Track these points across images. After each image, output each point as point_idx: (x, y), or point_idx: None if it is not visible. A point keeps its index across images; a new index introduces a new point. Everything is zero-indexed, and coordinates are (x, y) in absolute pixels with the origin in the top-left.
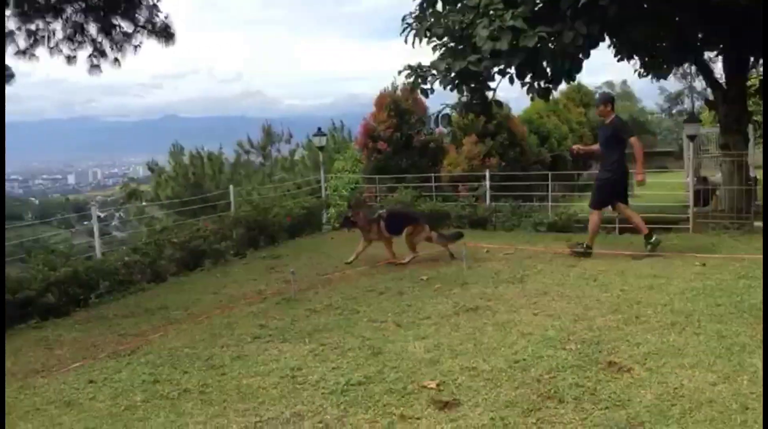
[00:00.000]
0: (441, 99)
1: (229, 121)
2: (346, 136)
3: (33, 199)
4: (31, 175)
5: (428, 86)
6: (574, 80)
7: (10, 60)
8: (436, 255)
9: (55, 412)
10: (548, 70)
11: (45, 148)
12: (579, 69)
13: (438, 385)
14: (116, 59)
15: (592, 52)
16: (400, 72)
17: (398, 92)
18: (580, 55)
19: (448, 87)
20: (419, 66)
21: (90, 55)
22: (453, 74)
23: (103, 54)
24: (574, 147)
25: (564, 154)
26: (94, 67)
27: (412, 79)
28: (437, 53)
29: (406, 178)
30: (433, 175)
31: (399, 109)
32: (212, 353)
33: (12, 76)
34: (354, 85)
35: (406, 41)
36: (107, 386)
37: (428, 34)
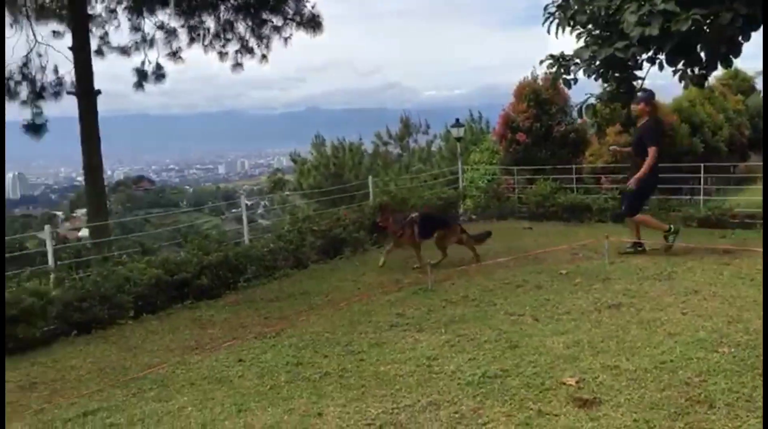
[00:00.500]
0: (583, 88)
1: (368, 112)
2: (484, 127)
3: (188, 187)
4: (186, 165)
5: (571, 77)
6: (731, 66)
7: (163, 59)
8: (576, 249)
9: (208, 387)
10: (702, 55)
11: (199, 139)
12: (737, 53)
13: (578, 382)
14: (264, 56)
15: (753, 34)
16: (541, 62)
17: (539, 81)
18: (739, 38)
19: (593, 76)
20: (562, 55)
21: (236, 52)
22: (598, 62)
23: (249, 51)
24: (612, 147)
25: (719, 146)
26: (237, 65)
27: (554, 69)
28: (581, 41)
29: (545, 170)
30: (573, 166)
31: (539, 99)
32: (351, 339)
33: (163, 75)
34: (492, 74)
35: (549, 32)
36: (254, 366)
37: (572, 23)
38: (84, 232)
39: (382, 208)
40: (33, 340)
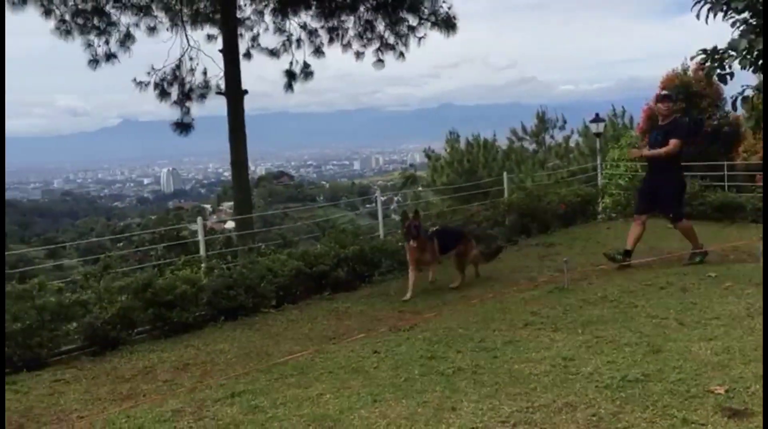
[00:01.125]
0: (738, 79)
1: (502, 108)
2: (627, 122)
3: (324, 182)
4: (323, 161)
5: (727, 71)
6: None
7: (309, 58)
8: (726, 250)
9: (345, 376)
10: None
11: (336, 136)
12: None
13: (727, 391)
14: (401, 53)
15: None
16: (692, 58)
17: (689, 73)
18: None
19: (750, 68)
20: (714, 49)
21: (377, 50)
22: (756, 53)
23: (389, 48)
24: (634, 151)
25: None
26: (379, 62)
27: (707, 64)
28: (736, 31)
29: (693, 167)
30: (725, 163)
31: (688, 92)
32: (484, 336)
33: (311, 73)
34: (635, 67)
35: (698, 17)
36: (389, 357)
37: (725, 9)
38: (229, 225)
39: (415, 216)
40: (186, 324)
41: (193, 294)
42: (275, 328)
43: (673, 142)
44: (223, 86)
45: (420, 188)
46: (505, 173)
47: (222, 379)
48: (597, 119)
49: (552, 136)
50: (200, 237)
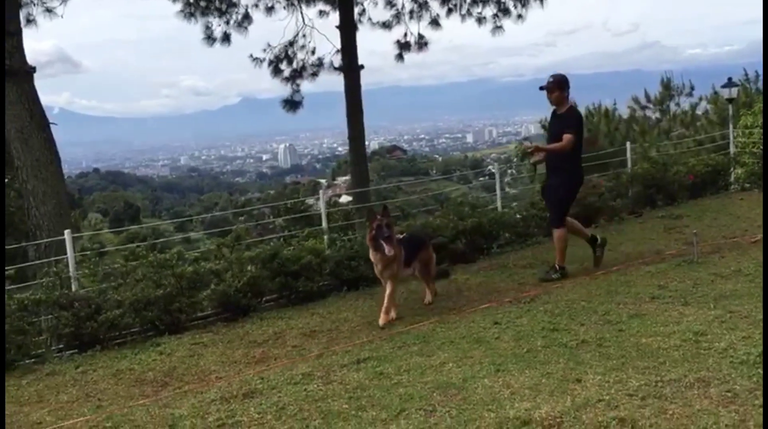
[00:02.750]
0: None
1: (622, 76)
2: (760, 87)
3: (437, 156)
4: (436, 134)
5: None
6: None
7: (424, 29)
8: None
9: (466, 346)
10: None
11: (449, 109)
12: None
13: None
14: (519, 15)
15: None
16: None
17: None
18: None
19: None
20: None
21: (493, 15)
22: None
23: (506, 12)
24: (525, 143)
25: None
26: (497, 28)
27: None
28: None
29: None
30: None
31: None
32: (609, 309)
33: (425, 43)
34: None
35: None
36: (510, 329)
37: None
38: (344, 199)
39: (384, 214)
40: (311, 293)
41: (317, 264)
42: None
43: (566, 137)
44: (336, 62)
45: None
46: (628, 143)
47: (347, 346)
48: (729, 84)
49: (677, 104)
50: (322, 210)
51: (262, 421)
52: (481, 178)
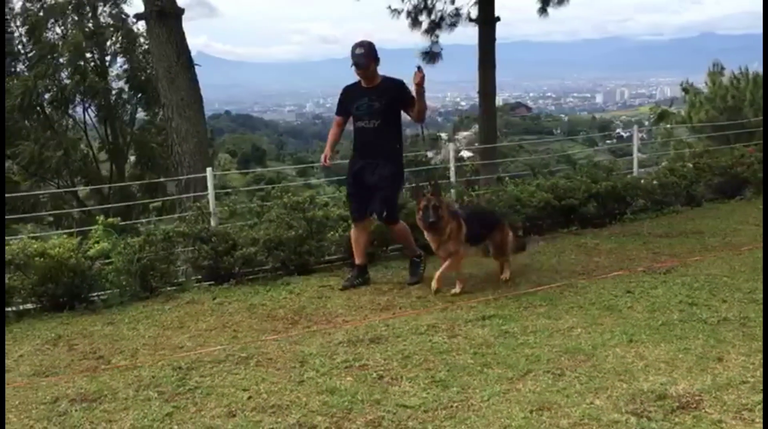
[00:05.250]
0: None
1: None
2: None
3: (563, 116)
4: (563, 93)
5: None
6: None
7: None
8: None
9: (596, 312)
10: None
11: (578, 67)
12: None
13: None
14: None
15: None
16: None
17: None
18: None
19: None
20: None
21: None
22: None
23: None
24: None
25: None
26: None
27: None
28: None
29: None
30: None
31: None
32: (754, 287)
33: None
34: None
35: None
36: (644, 299)
37: None
38: (464, 153)
39: (434, 190)
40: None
41: None
42: (521, 257)
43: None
44: (473, 14)
45: (670, 125)
46: None
47: (472, 302)
48: None
49: None
50: (451, 164)
51: (388, 367)
52: (608, 142)
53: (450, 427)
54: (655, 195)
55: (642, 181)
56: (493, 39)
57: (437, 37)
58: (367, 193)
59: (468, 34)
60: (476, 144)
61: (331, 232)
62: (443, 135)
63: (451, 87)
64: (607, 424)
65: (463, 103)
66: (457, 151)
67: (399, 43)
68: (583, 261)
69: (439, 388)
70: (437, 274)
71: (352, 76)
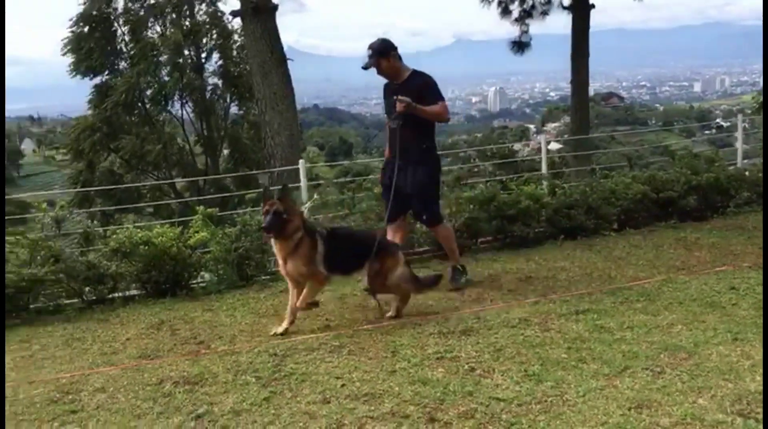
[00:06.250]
0: None
1: None
2: None
3: (658, 105)
4: (659, 82)
5: None
6: None
7: None
8: None
9: (697, 309)
10: None
11: (676, 55)
12: None
13: None
14: None
15: None
16: None
17: None
18: None
19: None
20: None
21: None
22: None
23: None
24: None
25: None
26: None
27: None
28: None
29: None
30: None
31: None
32: None
33: None
34: None
35: None
36: (750, 296)
37: None
38: (553, 145)
39: (282, 194)
40: (526, 238)
41: (535, 210)
42: (617, 251)
43: (442, 105)
44: (565, 1)
45: None
46: None
47: (565, 296)
48: None
49: None
50: (543, 155)
51: (480, 359)
52: (707, 132)
53: (545, 421)
54: (762, 187)
55: (746, 172)
56: (587, 27)
57: (527, 26)
58: (399, 196)
59: (558, 23)
60: (565, 136)
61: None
62: (531, 127)
63: (540, 77)
64: (711, 424)
65: (552, 94)
66: (547, 143)
67: (487, 35)
68: (683, 255)
69: (533, 382)
70: (290, 306)
71: (438, 69)
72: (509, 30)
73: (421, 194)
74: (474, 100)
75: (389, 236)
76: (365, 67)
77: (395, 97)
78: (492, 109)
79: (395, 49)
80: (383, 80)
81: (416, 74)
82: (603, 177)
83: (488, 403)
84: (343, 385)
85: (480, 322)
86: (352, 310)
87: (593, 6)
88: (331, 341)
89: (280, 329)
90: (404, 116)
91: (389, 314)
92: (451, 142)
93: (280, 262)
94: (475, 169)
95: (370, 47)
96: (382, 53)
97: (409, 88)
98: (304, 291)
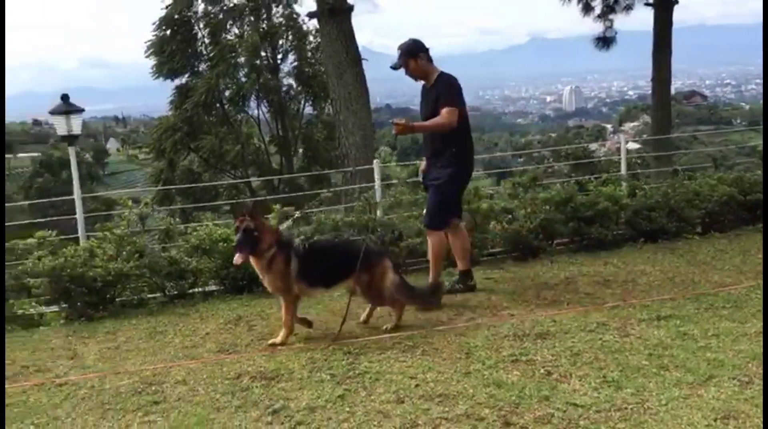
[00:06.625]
0: None
1: None
2: None
3: (743, 104)
4: (744, 80)
5: None
6: None
7: None
8: None
9: None
10: None
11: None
12: None
13: None
14: None
15: None
16: None
17: None
18: None
19: None
20: None
21: None
22: None
23: None
24: (394, 120)
25: None
26: None
27: None
28: None
29: None
30: None
31: None
32: None
33: None
34: None
35: None
36: None
37: None
38: (630, 145)
39: (253, 211)
40: (604, 241)
41: (614, 212)
42: (701, 255)
43: (446, 111)
44: None
45: None
46: None
47: (645, 301)
48: None
49: None
50: (622, 155)
51: (557, 363)
52: None
53: None
54: None
55: None
56: (670, 22)
57: (611, 21)
58: None
59: (637, 20)
60: (644, 135)
61: (495, 225)
62: (608, 126)
63: (618, 75)
64: None
65: (631, 92)
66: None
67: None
68: None
69: (612, 389)
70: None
71: (511, 68)
72: (588, 27)
73: (432, 197)
74: (548, 99)
75: (450, 240)
76: (394, 67)
77: (390, 121)
78: (567, 108)
79: (425, 50)
80: (461, 81)
81: (441, 76)
82: (686, 178)
83: (565, 408)
84: (416, 386)
85: (556, 325)
86: (424, 310)
87: (677, 1)
88: (404, 341)
89: (278, 340)
90: (427, 119)
91: (388, 326)
92: (525, 142)
93: (261, 278)
94: (550, 170)
95: (400, 47)
96: (410, 54)
97: (434, 91)
98: (282, 310)
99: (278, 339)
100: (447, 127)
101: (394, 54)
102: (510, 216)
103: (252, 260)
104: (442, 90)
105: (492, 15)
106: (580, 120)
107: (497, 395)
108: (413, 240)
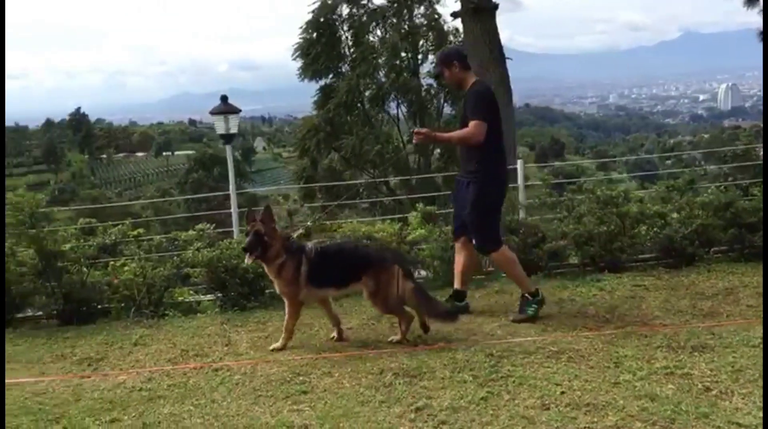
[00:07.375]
0: None
1: None
2: None
3: None
4: None
5: None
6: None
7: None
8: None
9: None
10: None
11: None
12: None
13: None
14: None
15: None
16: None
17: None
18: None
19: None
20: None
21: None
22: None
23: None
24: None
25: None
26: None
27: None
28: None
29: None
30: None
31: None
32: None
33: None
34: None
35: None
36: None
37: None
38: None
39: (264, 216)
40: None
41: None
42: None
43: (473, 125)
44: None
45: None
46: None
47: None
48: None
49: None
50: None
51: (716, 379)
52: None
53: None
54: None
55: None
56: None
57: None
58: (458, 214)
59: None
60: None
61: (646, 229)
62: None
63: None
64: None
65: None
66: None
67: (720, 26)
68: None
69: None
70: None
71: (661, 65)
72: (748, 20)
73: (470, 215)
74: (701, 98)
75: (456, 256)
76: (434, 76)
77: (412, 130)
78: (722, 107)
79: (460, 58)
80: (601, 77)
81: (473, 86)
82: None
83: (727, 428)
84: (562, 393)
85: (715, 338)
86: (570, 315)
87: None
88: (548, 346)
89: (278, 345)
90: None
91: (393, 339)
92: (674, 143)
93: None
94: (702, 173)
95: (437, 56)
96: (444, 62)
97: (466, 100)
98: (286, 313)
99: (278, 344)
100: (472, 141)
101: (534, 52)
102: (663, 221)
103: (264, 265)
104: (471, 101)
105: (642, 9)
106: (737, 120)
107: (650, 408)
108: (557, 243)
